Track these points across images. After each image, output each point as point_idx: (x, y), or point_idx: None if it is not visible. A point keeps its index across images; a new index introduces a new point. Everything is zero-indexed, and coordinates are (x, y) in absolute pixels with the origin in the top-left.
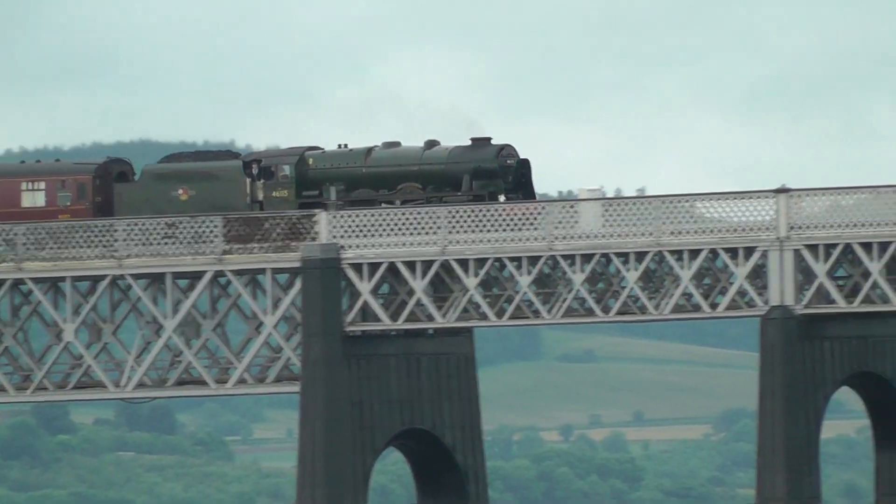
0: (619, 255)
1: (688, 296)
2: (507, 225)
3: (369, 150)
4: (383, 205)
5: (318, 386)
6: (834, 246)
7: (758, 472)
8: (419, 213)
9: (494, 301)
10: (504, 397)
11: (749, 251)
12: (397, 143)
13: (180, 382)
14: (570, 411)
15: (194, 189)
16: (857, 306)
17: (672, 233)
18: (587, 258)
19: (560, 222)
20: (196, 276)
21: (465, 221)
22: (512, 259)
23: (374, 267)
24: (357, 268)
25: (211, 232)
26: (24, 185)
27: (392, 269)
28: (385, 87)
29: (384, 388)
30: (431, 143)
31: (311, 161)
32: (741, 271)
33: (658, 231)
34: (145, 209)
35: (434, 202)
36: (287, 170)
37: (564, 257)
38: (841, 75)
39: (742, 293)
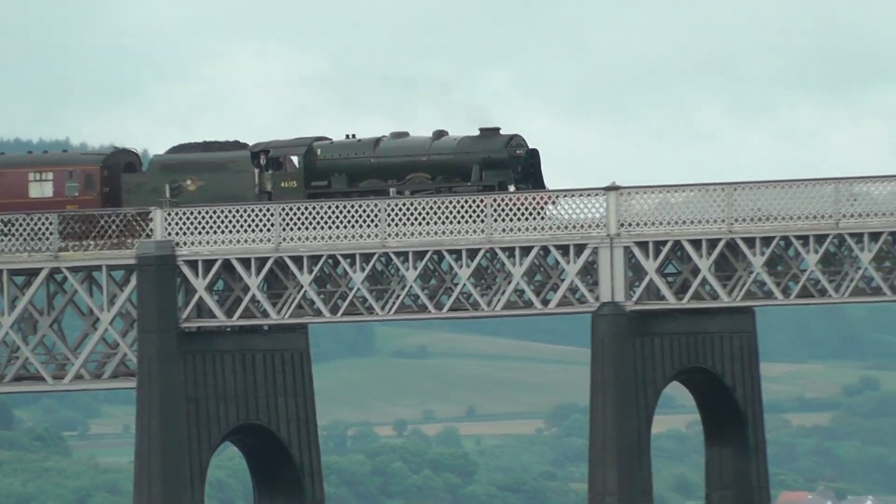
0: (451, 251)
1: (520, 292)
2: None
3: (377, 141)
4: (395, 192)
5: (153, 382)
6: (663, 243)
7: (590, 466)
8: (253, 209)
9: (329, 298)
10: (338, 393)
11: (580, 248)
12: (405, 134)
13: (17, 378)
14: (404, 406)
15: (203, 179)
16: (686, 303)
17: (503, 230)
18: (420, 255)
19: (392, 220)
20: (32, 273)
21: (298, 219)
22: (346, 256)
23: (209, 264)
24: (192, 264)
25: (47, 229)
26: (31, 176)
27: (227, 265)
28: (213, 86)
29: (220, 384)
30: (440, 133)
31: (319, 151)
32: (572, 268)
33: (490, 228)
34: (153, 200)
35: (444, 192)
36: (296, 160)
37: (397, 254)
38: (667, 74)
39: (573, 290)
